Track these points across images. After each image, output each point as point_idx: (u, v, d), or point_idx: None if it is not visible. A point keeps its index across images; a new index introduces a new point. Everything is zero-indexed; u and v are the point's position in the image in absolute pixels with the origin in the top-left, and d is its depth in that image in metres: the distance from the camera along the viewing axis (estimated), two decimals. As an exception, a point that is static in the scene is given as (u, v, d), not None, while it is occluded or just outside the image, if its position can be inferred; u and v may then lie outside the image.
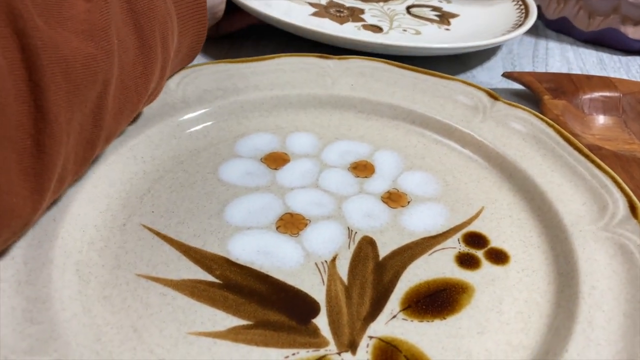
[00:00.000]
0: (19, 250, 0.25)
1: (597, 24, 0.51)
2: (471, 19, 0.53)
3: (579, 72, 0.48)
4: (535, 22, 0.56)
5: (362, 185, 0.32)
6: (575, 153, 0.32)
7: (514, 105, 0.36)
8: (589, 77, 0.42)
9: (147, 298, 0.25)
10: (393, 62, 0.40)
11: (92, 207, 0.28)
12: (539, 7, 0.57)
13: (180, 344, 0.23)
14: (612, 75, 0.47)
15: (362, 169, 0.34)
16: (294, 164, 0.34)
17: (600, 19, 0.51)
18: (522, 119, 0.35)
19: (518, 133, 0.34)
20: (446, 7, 0.56)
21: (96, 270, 0.26)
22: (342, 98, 0.38)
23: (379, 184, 0.32)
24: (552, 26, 0.55)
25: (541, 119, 0.34)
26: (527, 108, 0.35)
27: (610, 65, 0.49)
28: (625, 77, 0.47)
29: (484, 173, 0.33)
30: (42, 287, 0.23)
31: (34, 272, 0.24)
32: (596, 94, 0.41)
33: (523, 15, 0.51)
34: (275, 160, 0.34)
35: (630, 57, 0.50)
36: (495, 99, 0.36)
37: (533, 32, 0.55)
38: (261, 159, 0.34)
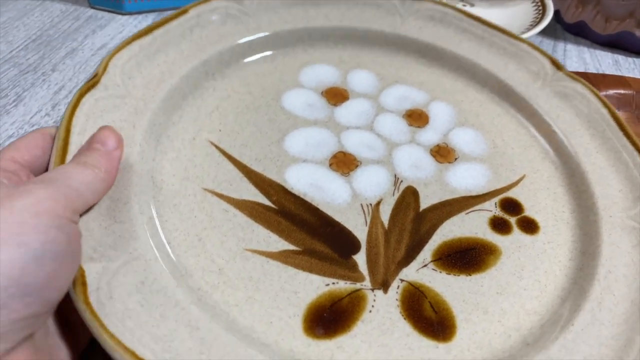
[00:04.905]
0: (103, 151, 0.28)
1: (613, 27, 0.52)
2: (492, 20, 0.52)
3: (595, 72, 0.48)
4: (555, 25, 0.56)
5: (414, 134, 0.34)
6: (624, 139, 0.33)
7: (575, 79, 0.36)
8: (604, 76, 0.43)
9: (212, 212, 0.28)
10: (464, 10, 0.40)
11: (165, 118, 0.31)
12: (558, 12, 0.56)
13: (237, 257, 0.27)
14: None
15: (417, 117, 0.35)
16: (352, 102, 0.35)
17: (616, 23, 0.51)
18: (580, 94, 0.35)
19: (573, 108, 0.35)
20: (469, 9, 0.54)
21: (168, 178, 0.29)
22: (407, 40, 0.38)
23: (430, 135, 0.34)
24: (571, 29, 0.56)
25: (599, 98, 0.35)
26: (588, 84, 0.36)
27: (625, 66, 0.50)
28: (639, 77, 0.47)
29: (531, 141, 0.35)
30: (123, 189, 0.26)
31: (118, 175, 0.27)
32: (611, 91, 0.41)
33: (540, 15, 0.50)
34: (335, 95, 0.35)
35: (642, 60, 0.50)
36: (559, 68, 0.37)
37: (552, 34, 0.55)
38: (322, 92, 0.35)
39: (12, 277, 0.18)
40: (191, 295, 0.24)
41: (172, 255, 0.26)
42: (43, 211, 0.20)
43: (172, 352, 0.21)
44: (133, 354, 0.21)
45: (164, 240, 0.26)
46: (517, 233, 0.30)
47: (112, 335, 0.21)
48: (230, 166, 0.30)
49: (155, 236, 0.26)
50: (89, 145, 0.25)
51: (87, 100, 0.29)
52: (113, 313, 0.22)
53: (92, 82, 0.30)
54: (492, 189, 0.32)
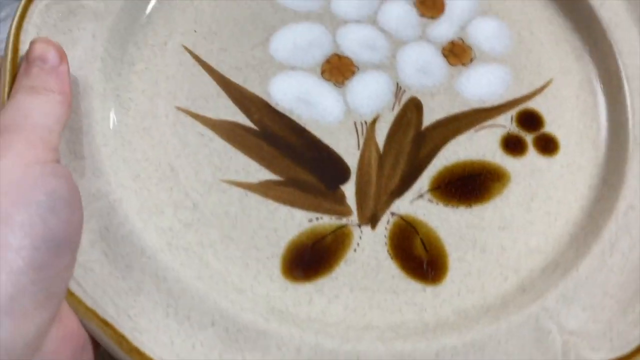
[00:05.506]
0: (59, 70, 0.24)
1: None
2: None
3: None
4: None
5: (425, 28, 0.29)
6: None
7: (635, -51, 0.29)
8: None
9: (185, 136, 0.25)
10: None
11: (131, 21, 0.27)
12: None
13: (213, 190, 0.24)
14: None
15: (430, 5, 0.29)
16: (354, -14, 0.30)
17: None
18: (638, -29, 0.28)
19: (625, -10, 0.28)
20: None
21: (136, 96, 0.26)
22: None
23: (444, 29, 0.29)
24: None
25: (661, -24, 0.28)
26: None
27: None
28: None
29: (565, 35, 0.29)
30: (83, 117, 0.24)
31: (75, 100, 0.24)
32: None
33: None
34: (334, -23, 0.30)
35: None
36: None
37: None
38: (318, -27, 0.30)
39: (38, 236, 0.18)
40: (160, 239, 0.23)
41: (140, 191, 0.24)
42: (30, 162, 0.19)
43: (137, 307, 0.21)
44: (94, 313, 0.20)
45: (132, 174, 0.24)
46: (532, 154, 0.26)
47: (71, 294, 0.20)
48: (207, 78, 0.27)
49: (121, 171, 0.24)
50: (28, 65, 0.22)
51: (36, 8, 0.25)
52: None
53: (39, -17, 0.25)
54: (511, 98, 0.28)
